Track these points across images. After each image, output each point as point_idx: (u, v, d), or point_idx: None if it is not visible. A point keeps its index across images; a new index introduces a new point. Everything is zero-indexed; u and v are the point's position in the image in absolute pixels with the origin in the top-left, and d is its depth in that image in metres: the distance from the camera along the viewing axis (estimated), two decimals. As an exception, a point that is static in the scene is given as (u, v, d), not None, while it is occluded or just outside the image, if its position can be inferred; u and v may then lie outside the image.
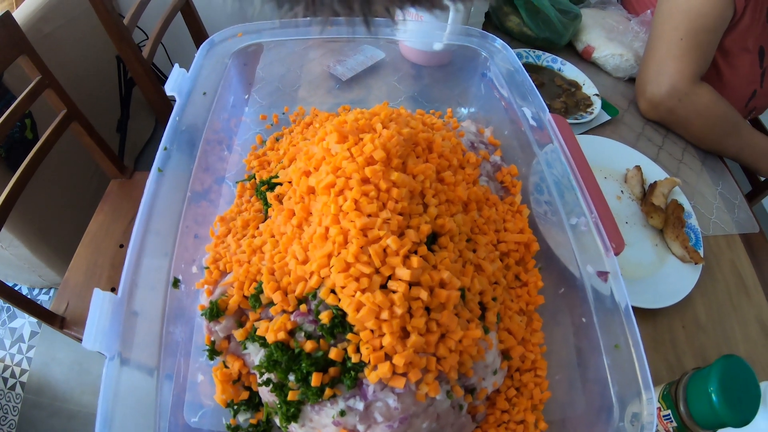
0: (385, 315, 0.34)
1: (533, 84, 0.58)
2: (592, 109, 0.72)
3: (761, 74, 0.79)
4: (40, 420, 1.24)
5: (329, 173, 0.40)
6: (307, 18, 0.20)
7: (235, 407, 0.44)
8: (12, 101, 0.84)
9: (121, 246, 0.98)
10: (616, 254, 0.44)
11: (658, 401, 0.45)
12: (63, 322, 0.92)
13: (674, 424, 0.44)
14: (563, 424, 0.45)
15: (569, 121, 0.70)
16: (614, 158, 0.69)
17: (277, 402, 0.40)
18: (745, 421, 0.40)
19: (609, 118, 0.74)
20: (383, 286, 0.36)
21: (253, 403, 0.44)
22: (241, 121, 0.62)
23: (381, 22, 0.63)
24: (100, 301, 0.37)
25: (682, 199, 0.67)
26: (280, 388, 0.39)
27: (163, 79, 1.34)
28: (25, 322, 1.37)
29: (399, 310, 0.34)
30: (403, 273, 0.35)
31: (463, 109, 0.66)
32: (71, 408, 1.25)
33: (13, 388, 1.28)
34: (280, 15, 0.20)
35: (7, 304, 1.40)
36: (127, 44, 0.94)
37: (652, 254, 0.63)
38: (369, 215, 0.38)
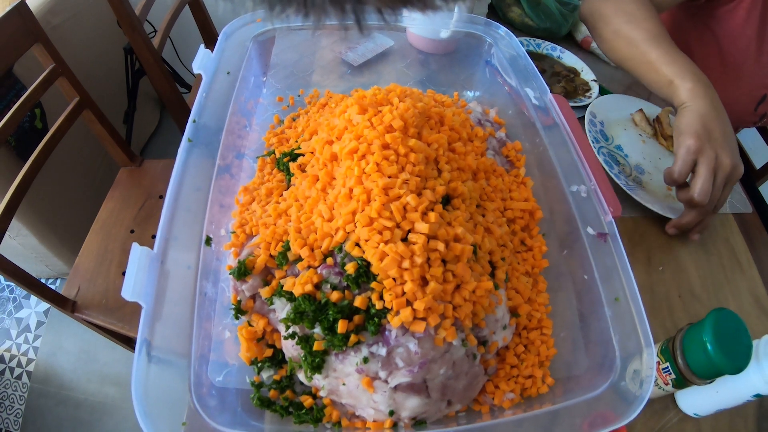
0: (406, 264, 0.37)
1: (535, 67, 0.61)
2: (591, 93, 0.76)
3: None
4: (46, 409, 1.25)
5: (352, 140, 0.43)
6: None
7: (259, 364, 0.47)
8: (23, 91, 0.86)
9: (132, 231, 1.00)
10: (614, 218, 0.47)
11: (657, 355, 0.49)
12: (74, 306, 0.94)
13: (673, 376, 0.47)
14: (568, 381, 0.48)
15: (570, 104, 0.74)
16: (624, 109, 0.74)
17: (302, 355, 0.43)
18: (739, 368, 0.43)
19: None
20: (404, 240, 0.39)
21: (277, 360, 0.47)
22: (259, 103, 0.65)
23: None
24: (137, 256, 0.39)
25: None
26: (305, 341, 0.42)
27: (171, 71, 1.37)
28: (31, 312, 1.38)
29: (419, 260, 0.38)
30: (422, 227, 0.39)
31: (469, 92, 0.70)
32: (78, 396, 1.26)
33: (19, 377, 1.29)
34: (272, 17, 0.19)
35: (12, 295, 1.41)
36: (138, 34, 0.96)
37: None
38: (390, 176, 0.41)
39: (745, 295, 0.66)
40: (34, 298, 1.41)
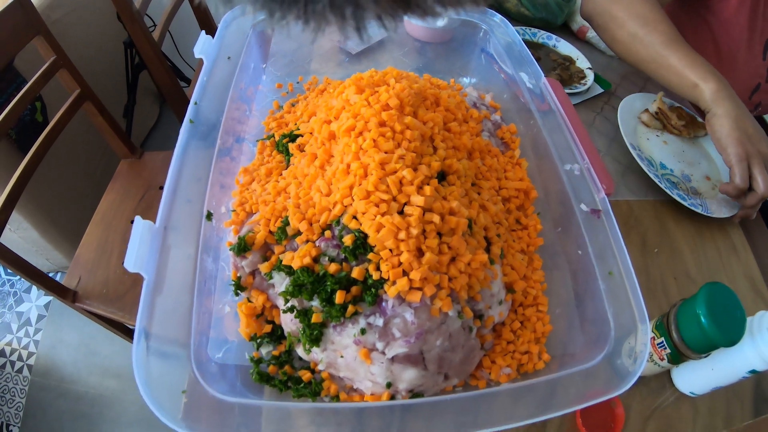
0: (402, 235, 0.38)
1: (530, 53, 0.62)
2: (586, 81, 0.76)
3: (767, 68, 0.81)
4: (47, 402, 1.26)
5: (349, 118, 0.44)
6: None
7: (258, 340, 0.48)
8: (23, 85, 0.87)
9: (132, 222, 1.01)
10: (607, 195, 0.48)
11: (652, 331, 0.49)
12: (75, 296, 0.95)
13: (668, 350, 0.48)
14: (564, 358, 0.49)
15: (569, 89, 0.75)
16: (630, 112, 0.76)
17: (300, 328, 0.43)
18: (733, 341, 0.43)
19: (602, 90, 0.79)
20: (400, 213, 0.40)
21: (276, 335, 0.48)
22: (258, 90, 0.65)
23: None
24: (140, 229, 0.40)
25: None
26: (304, 314, 0.43)
27: (170, 65, 1.38)
28: (31, 306, 1.39)
29: (415, 231, 0.38)
30: (418, 200, 0.40)
31: (465, 79, 0.70)
32: (79, 389, 1.27)
33: (20, 371, 1.30)
34: (272, 23, 0.20)
35: (13, 290, 1.42)
36: (138, 27, 0.97)
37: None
38: (386, 152, 0.42)
39: (740, 278, 0.66)
40: (34, 292, 1.42)
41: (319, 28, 0.20)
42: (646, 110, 0.76)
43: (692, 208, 0.66)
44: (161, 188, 1.05)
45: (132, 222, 1.02)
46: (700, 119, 0.78)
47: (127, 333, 1.11)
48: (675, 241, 0.67)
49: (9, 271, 1.45)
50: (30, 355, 1.32)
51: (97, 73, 1.31)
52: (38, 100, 1.15)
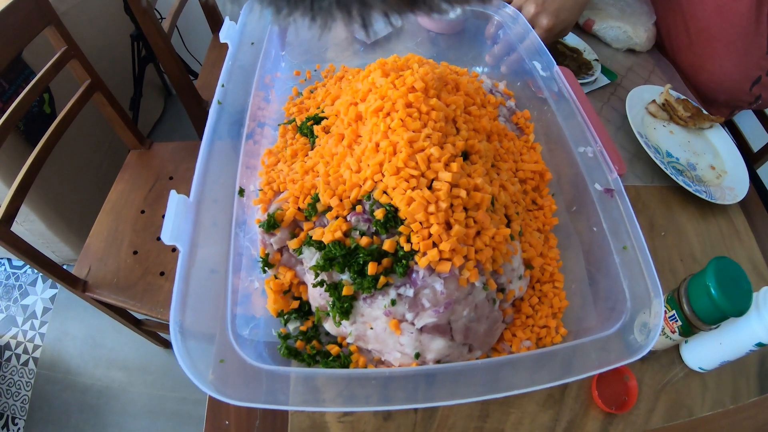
0: (432, 208, 0.40)
1: (542, 42, 0.64)
2: (593, 72, 0.79)
3: None
4: (53, 394, 1.26)
5: (377, 100, 0.46)
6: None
7: (286, 316, 0.49)
8: (31, 77, 0.87)
9: (143, 212, 1.02)
10: (620, 175, 0.50)
11: (664, 305, 0.51)
12: (85, 285, 0.95)
13: (679, 323, 0.50)
14: (579, 334, 0.51)
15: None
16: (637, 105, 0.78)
17: (330, 302, 0.45)
18: (741, 311, 0.46)
19: (608, 81, 0.82)
20: (428, 188, 0.42)
21: (303, 311, 0.49)
22: (277, 77, 0.67)
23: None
24: (175, 202, 0.41)
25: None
26: (334, 288, 0.44)
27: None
28: (37, 299, 1.39)
29: (443, 204, 0.40)
30: (445, 176, 0.41)
31: (477, 68, 0.72)
32: (85, 381, 1.27)
33: (26, 363, 1.30)
34: (279, 19, 0.20)
35: (18, 283, 1.42)
36: (149, 18, 0.98)
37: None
38: (413, 131, 0.43)
39: (743, 261, 0.69)
40: (39, 285, 1.42)
41: (326, 25, 0.20)
42: (654, 101, 0.78)
43: (697, 194, 0.69)
44: (171, 178, 1.06)
45: (142, 212, 1.03)
46: (705, 112, 0.81)
47: (135, 323, 1.12)
48: (681, 225, 0.69)
49: (14, 264, 1.46)
50: (36, 348, 1.32)
51: (103, 66, 1.31)
52: (46, 91, 1.16)
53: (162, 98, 1.65)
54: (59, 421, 1.22)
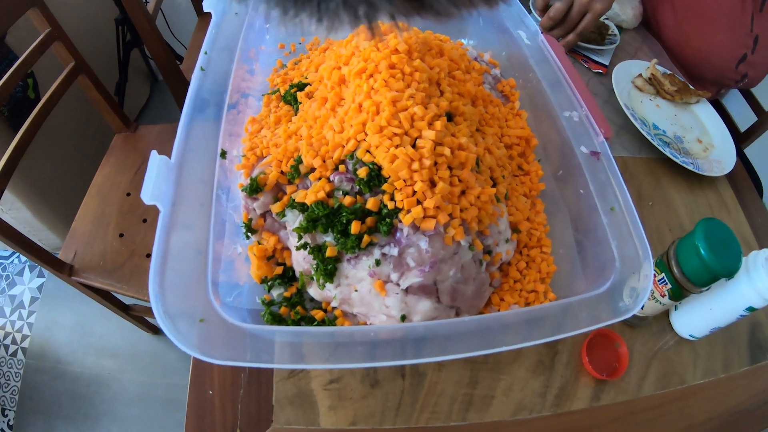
0: (415, 165, 0.40)
1: (527, 12, 0.64)
2: (612, 31, 0.85)
3: (754, 39, 0.84)
4: (43, 384, 1.25)
5: (360, 62, 0.45)
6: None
7: (270, 282, 0.48)
8: (15, 62, 0.85)
9: (128, 195, 1.00)
10: (606, 139, 0.50)
11: (653, 268, 0.51)
12: (72, 270, 0.94)
13: (669, 286, 0.50)
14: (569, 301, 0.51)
15: (605, 47, 0.84)
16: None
17: (314, 264, 0.44)
18: (731, 271, 0.45)
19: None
20: (412, 146, 0.41)
21: (287, 277, 0.49)
22: (261, 51, 0.66)
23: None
24: (156, 163, 0.41)
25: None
26: (318, 250, 0.44)
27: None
28: (24, 288, 1.37)
29: (427, 162, 0.40)
30: (429, 134, 0.41)
31: (463, 40, 0.72)
32: (74, 370, 1.26)
33: (14, 354, 1.28)
34: (285, 21, 0.20)
35: (5, 273, 1.40)
36: (134, 1, 0.96)
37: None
38: (397, 91, 0.43)
39: (732, 235, 0.69)
40: (27, 275, 1.40)
41: (332, 27, 0.20)
42: (640, 75, 0.78)
43: (684, 165, 0.69)
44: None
45: (128, 194, 1.02)
46: (691, 86, 0.81)
47: (124, 309, 1.11)
48: (669, 195, 0.69)
49: (1, 254, 1.43)
50: (24, 338, 1.30)
51: (88, 51, 1.29)
52: (30, 76, 1.14)
53: (148, 84, 1.62)
54: (50, 411, 1.21)
